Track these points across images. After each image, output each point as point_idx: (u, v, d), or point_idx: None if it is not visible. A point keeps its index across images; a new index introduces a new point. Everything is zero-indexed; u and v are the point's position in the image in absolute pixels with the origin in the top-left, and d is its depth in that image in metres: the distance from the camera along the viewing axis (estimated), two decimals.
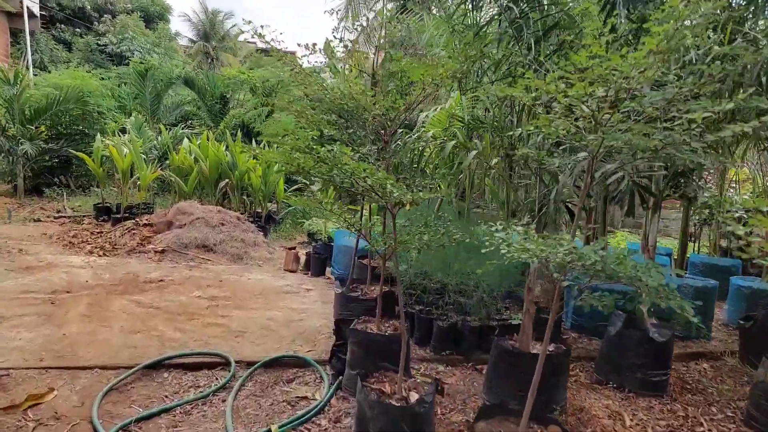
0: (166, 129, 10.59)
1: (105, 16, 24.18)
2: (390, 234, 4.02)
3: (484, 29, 3.30)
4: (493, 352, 3.34)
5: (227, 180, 9.39)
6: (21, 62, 18.64)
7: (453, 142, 3.59)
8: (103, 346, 3.86)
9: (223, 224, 7.50)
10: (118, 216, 8.95)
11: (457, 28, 4.21)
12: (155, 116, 12.85)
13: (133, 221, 7.71)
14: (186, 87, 13.99)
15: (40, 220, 9.46)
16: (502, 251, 1.87)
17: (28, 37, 18.56)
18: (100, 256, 6.73)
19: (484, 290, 4.15)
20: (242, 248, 7.31)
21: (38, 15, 20.62)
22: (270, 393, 3.45)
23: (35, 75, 17.02)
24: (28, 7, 18.10)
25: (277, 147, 2.84)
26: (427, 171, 4.28)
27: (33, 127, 10.65)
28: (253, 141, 10.54)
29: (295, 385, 3.59)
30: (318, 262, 6.56)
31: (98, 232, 8.70)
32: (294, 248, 8.90)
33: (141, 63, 13.49)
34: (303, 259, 7.02)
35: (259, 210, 9.75)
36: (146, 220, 7.69)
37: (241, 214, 9.29)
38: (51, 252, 6.84)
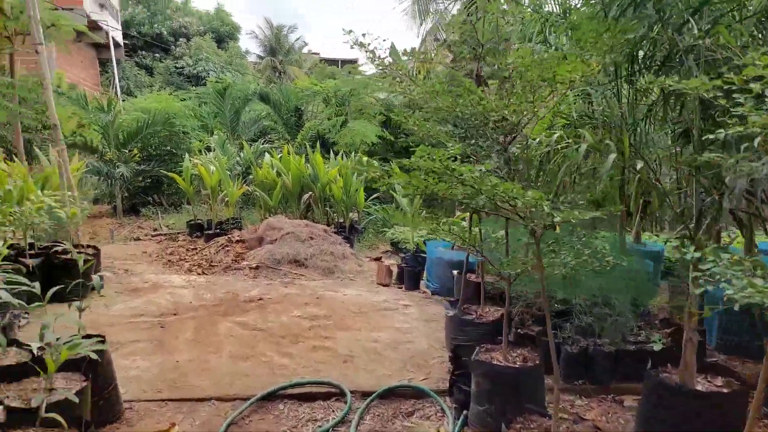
0: (248, 144, 10.81)
1: (180, 39, 25.48)
2: (516, 254, 3.67)
3: (623, 10, 2.87)
4: (646, 387, 2.90)
5: (310, 192, 9.38)
6: (110, 90, 19.97)
7: (584, 145, 3.19)
8: (215, 374, 3.79)
9: (312, 238, 7.45)
10: (210, 232, 9.18)
11: (575, 16, 3.78)
12: (235, 132, 13.22)
13: (226, 238, 7.85)
14: (261, 102, 14.32)
15: (139, 239, 9.92)
16: (737, 294, 1.46)
17: (115, 66, 19.86)
18: (199, 274, 6.86)
19: (616, 309, 3.69)
20: (332, 262, 7.21)
21: (122, 44, 22.07)
22: (391, 428, 3.21)
23: (123, 101, 18.13)
24: (113, 37, 19.35)
25: (407, 169, 2.57)
26: (552, 181, 3.88)
27: (127, 151, 11.24)
28: (331, 152, 10.51)
29: (415, 419, 3.33)
30: (411, 275, 6.31)
31: (193, 249, 8.96)
32: (380, 258, 8.72)
33: (218, 82, 13.95)
34: (395, 271, 6.80)
35: (342, 220, 9.68)
36: (238, 236, 7.80)
37: (326, 225, 9.25)
38: (153, 271, 7.07)
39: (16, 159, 7.46)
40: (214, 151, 10.87)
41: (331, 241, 7.58)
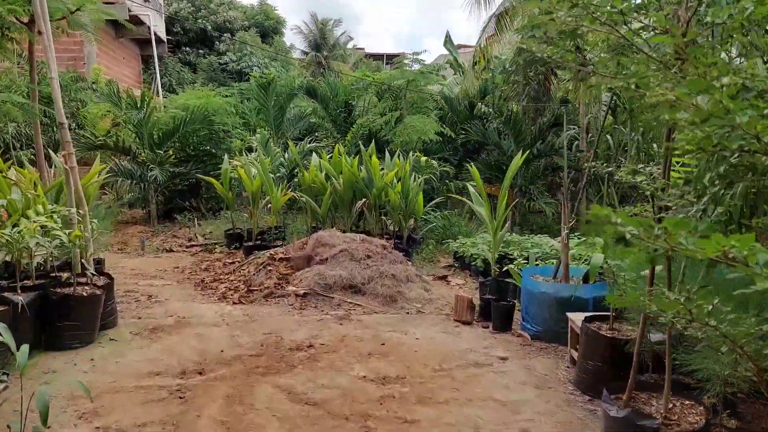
0: (293, 144, 9.61)
1: (224, 35, 24.79)
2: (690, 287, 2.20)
3: None
4: None
5: (364, 200, 8.06)
6: (152, 86, 19.42)
7: None
8: None
9: (369, 257, 6.13)
10: (250, 244, 8.03)
11: None
12: (279, 130, 12.06)
13: (268, 255, 6.62)
14: (307, 98, 13.16)
15: (173, 250, 8.89)
16: None
17: (156, 62, 19.25)
18: (235, 303, 5.66)
19: None
20: (394, 286, 5.87)
21: (165, 40, 21.50)
22: None
23: (164, 98, 17.42)
24: (155, 33, 18.71)
25: None
26: None
27: (162, 151, 10.27)
28: (386, 152, 9.15)
29: None
30: (502, 312, 4.86)
31: (230, 263, 7.83)
32: (446, 277, 7.32)
33: (262, 77, 12.85)
34: (475, 302, 5.37)
35: (398, 229, 8.34)
36: (282, 253, 6.56)
37: (380, 237, 7.92)
38: (181, 297, 5.93)
39: (28, 165, 6.50)
40: (256, 151, 9.74)
41: (391, 260, 6.23)
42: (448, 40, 18.17)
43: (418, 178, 8.46)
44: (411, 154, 9.19)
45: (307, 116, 12.78)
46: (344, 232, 7.85)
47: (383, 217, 8.31)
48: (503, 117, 10.23)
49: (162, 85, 20.86)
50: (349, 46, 37.41)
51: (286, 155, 10.32)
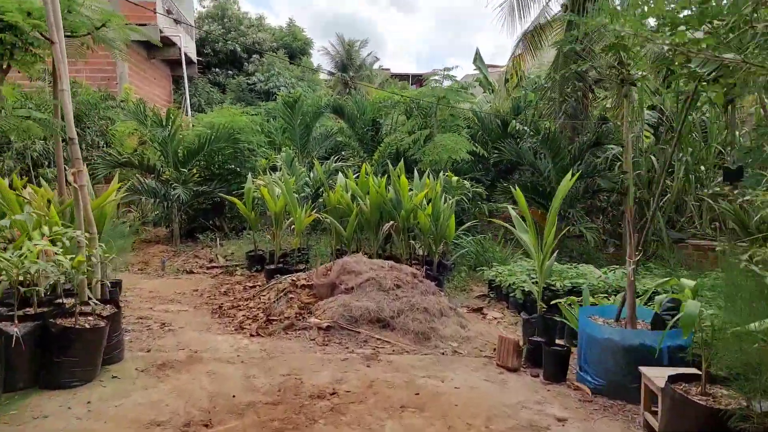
0: (318, 163, 9.22)
1: (253, 56, 24.99)
2: None
3: None
4: None
5: (392, 222, 7.55)
6: (182, 106, 19.53)
7: None
8: None
9: (398, 286, 5.59)
10: (272, 267, 7.60)
11: None
12: (305, 149, 11.74)
13: (290, 281, 6.14)
14: (334, 116, 12.87)
15: (193, 272, 8.52)
16: None
17: (186, 82, 19.38)
18: (252, 336, 5.17)
19: None
20: (427, 322, 5.30)
21: (195, 61, 21.70)
22: None
23: (192, 116, 17.42)
24: (186, 54, 18.87)
25: None
26: None
27: (186, 170, 10.02)
28: (415, 172, 8.66)
29: None
30: (556, 359, 4.22)
31: (251, 287, 7.41)
32: (481, 309, 6.72)
33: (288, 95, 12.61)
34: (519, 342, 4.75)
35: (427, 254, 7.78)
36: (304, 279, 6.07)
37: (409, 262, 7.39)
38: (197, 326, 5.49)
39: (44, 183, 6.23)
40: (280, 170, 9.38)
41: (422, 291, 5.67)
42: (478, 58, 17.75)
43: (449, 199, 7.93)
44: (441, 174, 8.69)
45: (334, 135, 12.45)
46: (370, 256, 7.35)
47: (411, 241, 7.78)
48: (540, 135, 9.65)
49: (191, 105, 21.02)
50: (375, 66, 37.57)
51: (312, 174, 9.94)
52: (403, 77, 42.04)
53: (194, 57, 21.20)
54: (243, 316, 5.85)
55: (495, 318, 6.30)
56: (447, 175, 8.98)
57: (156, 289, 7.39)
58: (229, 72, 24.98)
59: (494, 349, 4.81)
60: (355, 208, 7.70)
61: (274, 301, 6.02)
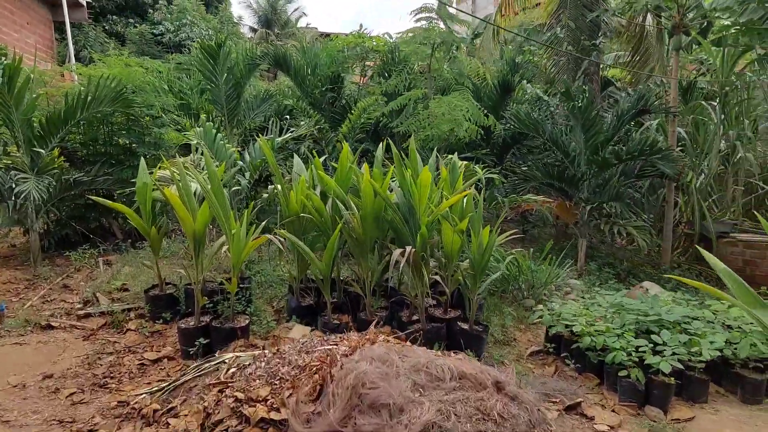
0: (265, 141, 5.84)
1: (160, 2, 20.47)
2: None
3: None
4: None
5: (410, 248, 4.47)
6: (67, 59, 15.18)
7: None
8: None
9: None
10: (191, 323, 4.40)
11: None
12: (234, 117, 8.24)
13: (233, 401, 2.96)
14: (267, 77, 9.38)
15: (52, 327, 5.07)
16: None
17: (68, 29, 14.90)
18: None
19: None
20: None
21: (84, 4, 16.91)
22: None
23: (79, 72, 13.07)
24: None
25: None
26: None
27: (44, 149, 6.31)
28: (415, 153, 5.63)
29: None
30: None
31: (152, 363, 4.27)
32: (577, 407, 3.91)
33: (209, 40, 8.95)
34: None
35: (452, 290, 4.86)
36: (263, 402, 2.92)
37: (421, 306, 4.44)
38: None
39: None
40: (196, 151, 6.02)
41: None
42: (443, 8, 14.74)
43: (477, 199, 5.02)
44: (434, 154, 5.67)
45: (273, 96, 8.95)
46: (364, 295, 4.36)
47: (436, 275, 4.72)
48: (568, 102, 6.94)
49: (81, 59, 16.47)
50: (302, 24, 33.74)
51: (248, 154, 6.66)
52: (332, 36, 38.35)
53: None
54: None
55: (609, 427, 3.54)
56: (452, 158, 6.01)
57: None
58: (130, 20, 20.31)
59: None
60: (333, 219, 4.59)
61: None
